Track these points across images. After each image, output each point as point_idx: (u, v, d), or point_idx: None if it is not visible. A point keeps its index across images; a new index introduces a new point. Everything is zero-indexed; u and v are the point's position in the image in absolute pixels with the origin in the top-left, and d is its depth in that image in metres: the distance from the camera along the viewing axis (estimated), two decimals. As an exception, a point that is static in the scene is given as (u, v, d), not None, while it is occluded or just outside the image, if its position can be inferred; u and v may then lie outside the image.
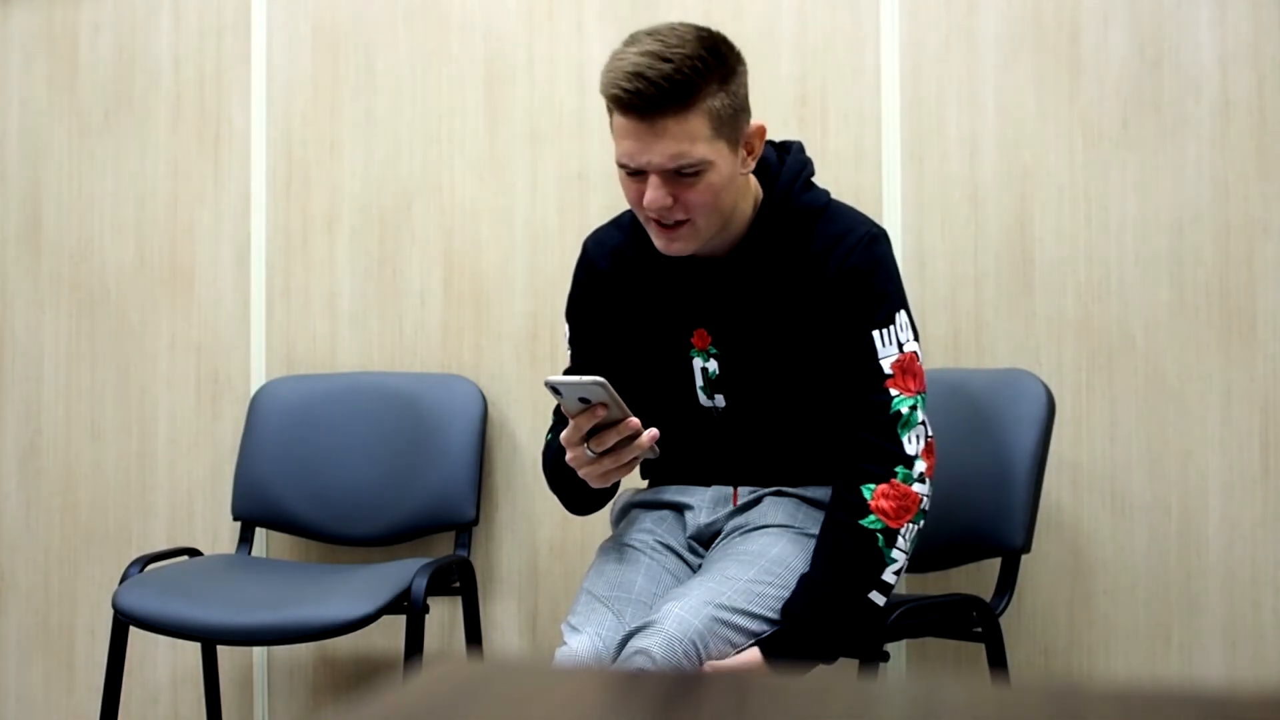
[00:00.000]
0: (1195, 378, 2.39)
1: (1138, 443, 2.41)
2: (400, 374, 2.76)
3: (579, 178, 2.69)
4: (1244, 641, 2.36)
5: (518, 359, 2.71)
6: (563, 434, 1.82)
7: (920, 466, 1.85)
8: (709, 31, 1.83)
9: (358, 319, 2.81)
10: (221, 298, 2.88)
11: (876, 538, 1.83)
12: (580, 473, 1.84)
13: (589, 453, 1.80)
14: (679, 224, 1.84)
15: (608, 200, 2.65)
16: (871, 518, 1.83)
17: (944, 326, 2.49)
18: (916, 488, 1.85)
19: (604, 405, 1.75)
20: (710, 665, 1.76)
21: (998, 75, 2.49)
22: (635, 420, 1.77)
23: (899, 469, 1.84)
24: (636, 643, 1.74)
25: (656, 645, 1.72)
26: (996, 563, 2.27)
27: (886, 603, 1.87)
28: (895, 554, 1.84)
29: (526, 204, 2.72)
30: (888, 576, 1.84)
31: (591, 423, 1.76)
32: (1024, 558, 2.25)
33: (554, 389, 1.74)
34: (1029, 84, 2.47)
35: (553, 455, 1.98)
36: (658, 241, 1.88)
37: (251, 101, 2.87)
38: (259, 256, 2.86)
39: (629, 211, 2.02)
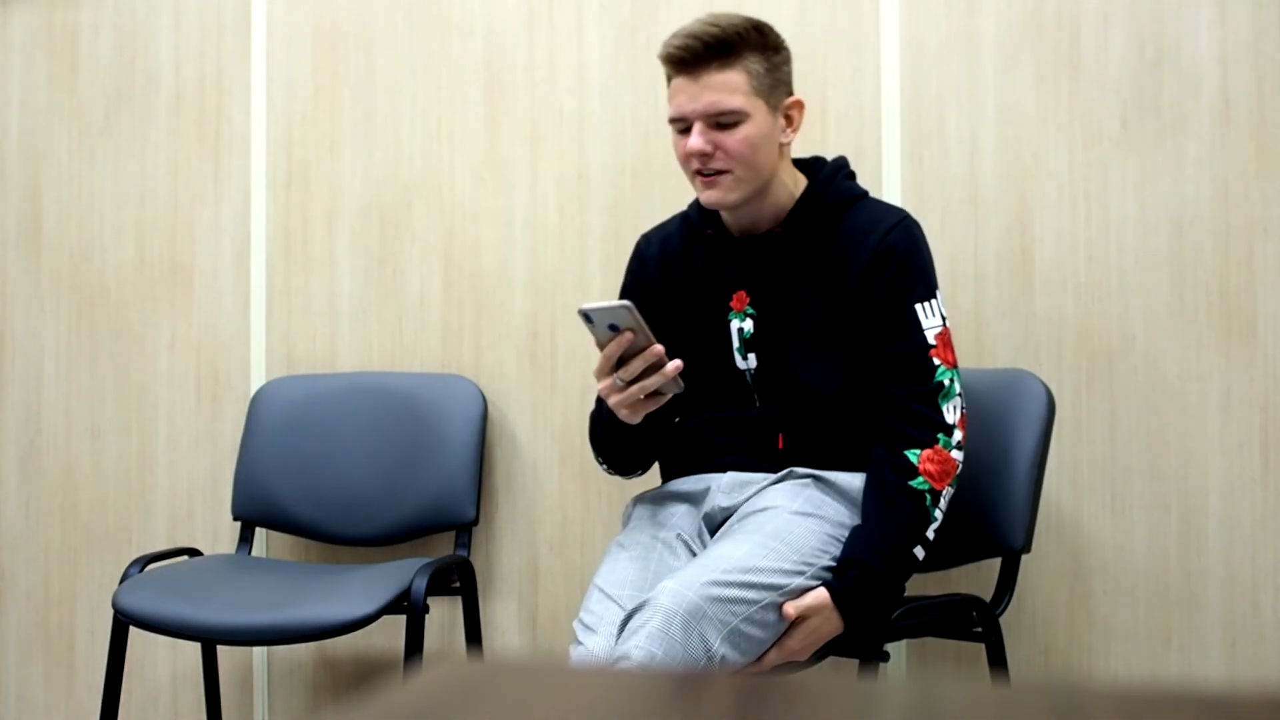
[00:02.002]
0: (1195, 378, 2.39)
1: (1138, 443, 2.41)
2: (400, 374, 2.76)
3: (579, 178, 2.69)
4: (1244, 641, 2.36)
5: (518, 359, 2.71)
6: (594, 367, 1.94)
7: (958, 435, 1.99)
8: (760, 19, 2.06)
9: (358, 319, 2.81)
10: (221, 298, 2.88)
11: (925, 497, 1.95)
12: (610, 403, 1.95)
13: (618, 381, 1.92)
14: (719, 173, 2.02)
15: (608, 200, 2.65)
16: (920, 479, 1.95)
17: (944, 326, 2.49)
18: (955, 454, 1.98)
19: (631, 331, 1.86)
20: (790, 606, 1.86)
21: (998, 75, 2.49)
22: (659, 347, 1.90)
23: (940, 435, 1.98)
24: (634, 622, 1.77)
25: (653, 622, 1.74)
26: (996, 563, 2.27)
27: (924, 560, 1.98)
28: (937, 513, 1.97)
29: (526, 204, 2.72)
30: (929, 534, 1.96)
31: (620, 349, 1.89)
32: (1024, 558, 2.24)
33: (586, 316, 1.86)
34: (1029, 84, 2.47)
35: (594, 413, 2.13)
36: (701, 194, 2.06)
37: (251, 101, 2.87)
38: (259, 256, 2.86)
39: (681, 212, 2.22)
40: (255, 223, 2.86)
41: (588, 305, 1.85)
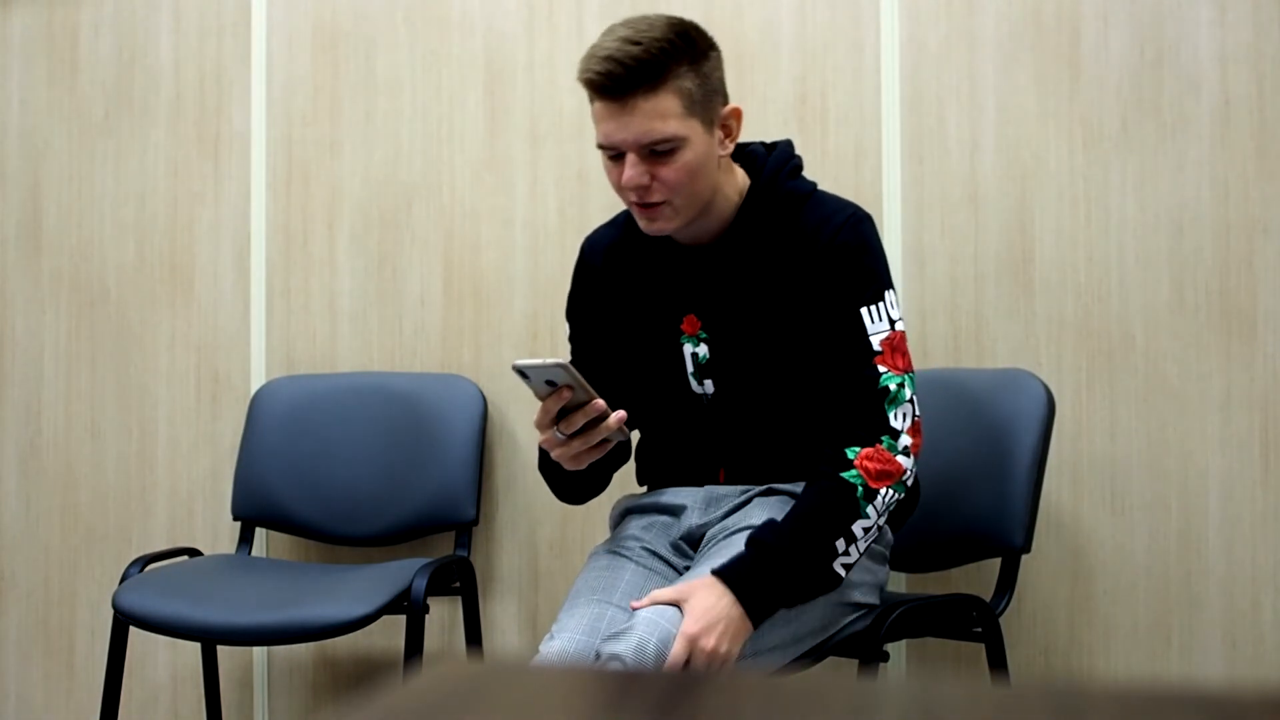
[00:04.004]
0: (1195, 378, 2.39)
1: (1138, 443, 2.41)
2: (400, 374, 2.76)
3: (579, 178, 2.69)
4: (1244, 641, 2.36)
5: (518, 359, 2.71)
6: (535, 418, 1.86)
7: (905, 440, 1.87)
8: (680, 19, 1.90)
9: (358, 319, 2.81)
10: (221, 298, 2.88)
11: (855, 489, 1.83)
12: (553, 455, 1.88)
13: (559, 435, 1.84)
14: (658, 203, 1.89)
15: (608, 200, 2.65)
16: (854, 472, 1.83)
17: (944, 326, 2.49)
18: (901, 459, 1.86)
19: (569, 387, 1.79)
20: (654, 594, 1.78)
21: (998, 75, 2.49)
22: (600, 402, 1.81)
23: (884, 438, 1.86)
24: (609, 647, 1.75)
25: (627, 649, 1.72)
26: (996, 563, 2.27)
27: (855, 562, 1.85)
28: (870, 510, 1.83)
29: (526, 204, 2.72)
30: (857, 529, 1.82)
31: (559, 405, 1.81)
32: (1024, 558, 2.25)
33: (521, 373, 1.79)
34: (1029, 84, 2.47)
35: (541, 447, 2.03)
36: (640, 222, 1.94)
37: (251, 101, 2.87)
38: (259, 256, 2.86)
39: (625, 211, 2.07)
40: (255, 223, 2.86)
41: (522, 361, 1.78)
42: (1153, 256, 2.41)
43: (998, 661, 2.20)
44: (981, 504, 2.23)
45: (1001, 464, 2.23)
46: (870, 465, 1.84)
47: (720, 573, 1.78)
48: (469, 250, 2.75)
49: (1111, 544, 2.42)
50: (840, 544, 1.82)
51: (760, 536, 1.82)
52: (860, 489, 1.83)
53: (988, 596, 2.21)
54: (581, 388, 1.79)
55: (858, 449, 1.85)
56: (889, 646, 2.04)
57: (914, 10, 2.53)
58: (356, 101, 2.82)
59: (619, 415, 1.82)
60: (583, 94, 2.67)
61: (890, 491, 1.85)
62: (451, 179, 2.76)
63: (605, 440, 1.86)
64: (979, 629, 2.20)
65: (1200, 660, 2.38)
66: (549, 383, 1.79)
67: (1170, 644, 2.39)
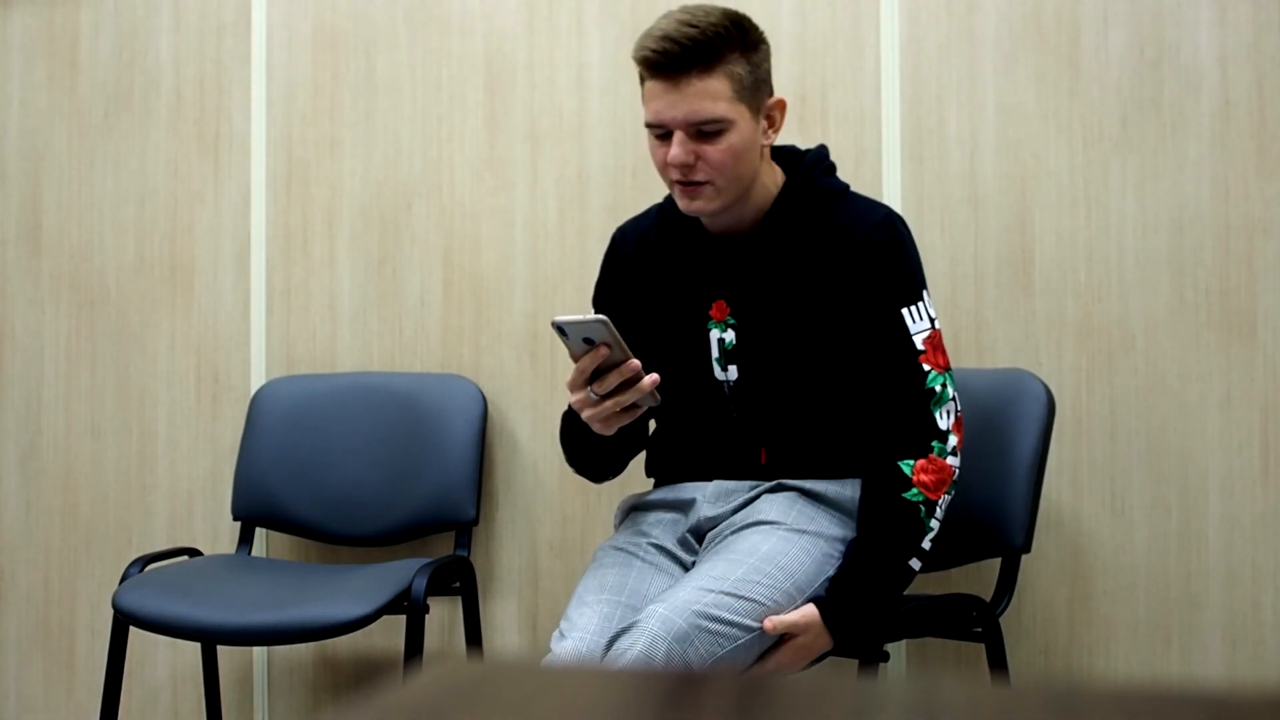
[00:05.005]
0: (1195, 378, 2.39)
1: (1138, 443, 2.41)
2: (400, 374, 2.76)
3: (579, 178, 2.69)
4: (1244, 641, 2.36)
5: (518, 359, 2.71)
6: (568, 379, 1.88)
7: (953, 440, 1.93)
8: (736, 11, 1.96)
9: (358, 319, 2.81)
10: (221, 298, 2.88)
11: (919, 509, 1.90)
12: (584, 416, 1.90)
13: (592, 395, 1.86)
14: (701, 183, 1.93)
15: (608, 200, 2.65)
16: (914, 491, 1.90)
17: (944, 326, 2.49)
18: (950, 461, 1.93)
19: (606, 345, 1.80)
20: (772, 621, 1.83)
21: (998, 75, 2.49)
22: (636, 362, 1.84)
23: (934, 443, 1.92)
24: (621, 644, 1.76)
25: (639, 646, 1.73)
26: (996, 563, 2.27)
27: (921, 568, 1.94)
28: (933, 523, 1.91)
29: (526, 204, 2.72)
30: (926, 544, 1.91)
31: (595, 363, 1.83)
32: (1024, 558, 2.25)
33: (559, 329, 1.79)
34: (1029, 84, 2.47)
35: (566, 416, 2.06)
36: (680, 202, 1.97)
37: (251, 101, 2.87)
38: (259, 256, 2.86)
39: (656, 204, 2.12)
40: (255, 223, 2.86)
41: (561, 318, 1.79)
42: (1153, 256, 2.41)
43: (998, 661, 2.20)
44: (981, 504, 2.23)
45: (1001, 464, 2.23)
46: (927, 478, 1.90)
47: (824, 612, 1.86)
48: (469, 250, 2.75)
49: (1111, 544, 2.42)
50: (914, 563, 1.92)
51: (856, 576, 1.89)
52: (923, 508, 1.90)
53: (988, 596, 2.22)
54: (619, 346, 1.81)
55: (912, 462, 1.91)
56: (889, 646, 2.05)
57: (914, 10, 2.53)
58: (356, 101, 2.82)
59: (652, 378, 1.85)
60: (583, 93, 2.69)
61: (946, 497, 1.93)
62: (451, 179, 2.76)
63: (635, 406, 1.88)
64: (979, 629, 2.20)
65: (1200, 660, 2.38)
66: (587, 340, 1.80)
67: (1170, 644, 2.39)
